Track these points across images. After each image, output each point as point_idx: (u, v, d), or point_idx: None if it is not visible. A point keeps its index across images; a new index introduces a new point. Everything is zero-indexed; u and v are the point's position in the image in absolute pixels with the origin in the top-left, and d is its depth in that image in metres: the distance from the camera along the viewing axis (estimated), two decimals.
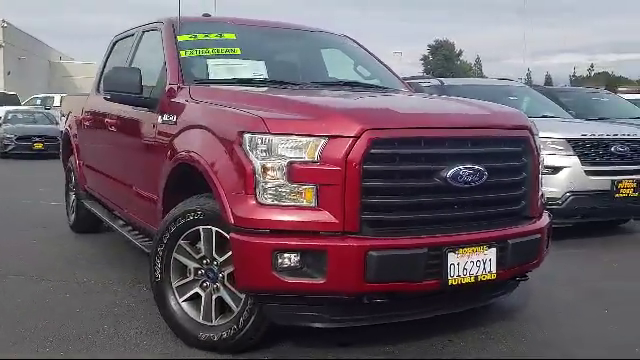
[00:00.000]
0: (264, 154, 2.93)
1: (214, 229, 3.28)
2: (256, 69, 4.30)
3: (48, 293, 4.42)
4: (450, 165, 3.04)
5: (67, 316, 3.91)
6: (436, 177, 3.03)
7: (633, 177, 6.43)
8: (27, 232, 6.59)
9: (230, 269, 3.24)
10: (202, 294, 3.38)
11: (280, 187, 2.92)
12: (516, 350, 3.45)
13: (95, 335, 3.59)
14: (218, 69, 4.11)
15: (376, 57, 5.09)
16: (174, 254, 3.46)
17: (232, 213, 2.97)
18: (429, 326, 3.58)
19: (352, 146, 2.85)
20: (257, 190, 2.93)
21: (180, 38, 4.29)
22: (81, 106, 6.20)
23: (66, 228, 6.72)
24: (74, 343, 3.48)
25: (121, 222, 4.99)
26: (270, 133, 2.92)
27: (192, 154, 3.32)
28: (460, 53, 75.48)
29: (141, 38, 4.98)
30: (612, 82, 67.30)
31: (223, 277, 3.30)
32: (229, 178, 3.04)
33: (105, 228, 6.37)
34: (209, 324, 3.35)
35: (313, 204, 2.88)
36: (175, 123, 3.66)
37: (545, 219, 3.60)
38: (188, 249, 3.42)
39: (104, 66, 5.86)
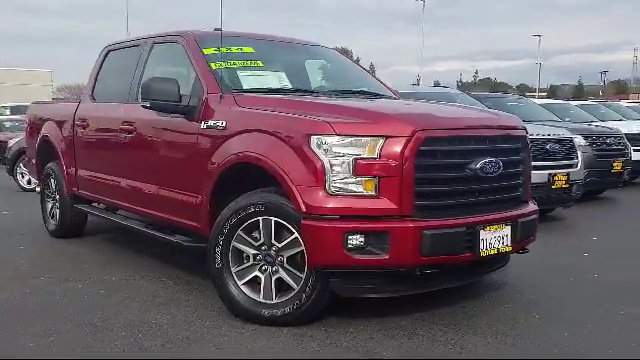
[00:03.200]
0: (331, 152, 3.49)
1: (273, 219, 3.79)
2: (280, 79, 4.82)
3: (82, 291, 4.69)
4: (477, 159, 3.76)
5: (119, 307, 4.26)
6: (468, 169, 3.73)
7: (564, 171, 7.52)
8: (5, 239, 6.68)
9: (289, 252, 3.78)
10: (261, 276, 3.88)
11: (346, 179, 3.49)
12: (512, 309, 4.23)
13: (157, 319, 3.99)
14: (247, 79, 4.59)
15: (361, 67, 5.75)
16: (233, 243, 3.93)
17: (304, 203, 3.50)
18: (443, 296, 4.28)
19: (407, 144, 3.49)
20: (326, 183, 3.48)
21: (206, 51, 4.73)
22: (67, 112, 6.39)
23: (41, 234, 6.86)
24: (143, 327, 3.86)
25: (135, 221, 5.33)
26: (337, 135, 3.50)
27: (254, 154, 3.80)
28: (358, 60, 77.84)
29: (151, 50, 5.33)
30: (495, 87, 72.27)
31: (282, 260, 3.81)
32: (298, 174, 3.57)
33: (87, 232, 6.68)
34: (270, 302, 3.85)
35: (374, 193, 3.48)
36: (225, 128, 4.12)
37: (534, 204, 4.40)
38: (247, 237, 3.90)
39: (97, 75, 6.12)
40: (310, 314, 3.80)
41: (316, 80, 5.13)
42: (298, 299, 3.75)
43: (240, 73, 4.64)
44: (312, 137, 3.54)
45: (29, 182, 11.64)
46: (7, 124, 16.74)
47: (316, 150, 3.52)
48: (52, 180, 6.79)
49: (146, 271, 5.23)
